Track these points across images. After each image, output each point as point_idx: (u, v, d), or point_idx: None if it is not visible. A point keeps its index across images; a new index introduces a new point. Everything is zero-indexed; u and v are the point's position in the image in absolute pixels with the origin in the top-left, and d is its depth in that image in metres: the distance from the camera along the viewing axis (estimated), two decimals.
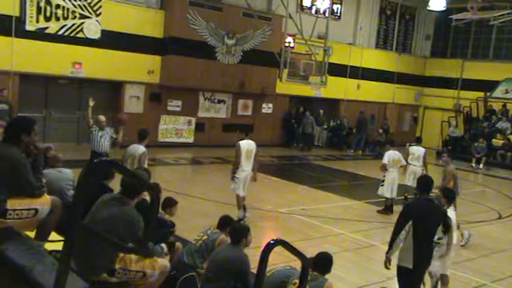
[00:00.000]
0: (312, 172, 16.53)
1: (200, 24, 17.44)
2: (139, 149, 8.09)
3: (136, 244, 3.83)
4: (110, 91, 17.03)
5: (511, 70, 22.94)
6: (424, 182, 5.82)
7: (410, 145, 12.75)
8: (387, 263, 5.69)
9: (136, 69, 16.67)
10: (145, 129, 8.72)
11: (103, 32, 15.79)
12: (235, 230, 5.36)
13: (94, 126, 10.12)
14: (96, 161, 2.98)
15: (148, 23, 16.76)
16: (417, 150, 12.08)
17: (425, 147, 12.49)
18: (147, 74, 17.00)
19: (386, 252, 5.67)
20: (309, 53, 18.94)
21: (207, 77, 17.73)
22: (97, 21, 15.70)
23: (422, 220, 5.51)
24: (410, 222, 5.48)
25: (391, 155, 11.19)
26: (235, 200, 9.65)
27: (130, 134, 16.73)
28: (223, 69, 18.16)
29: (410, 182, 11.58)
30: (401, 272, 5.62)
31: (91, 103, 10.40)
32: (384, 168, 11.11)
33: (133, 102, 17.10)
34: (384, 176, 11.18)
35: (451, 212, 6.29)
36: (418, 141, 13.17)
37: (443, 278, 6.57)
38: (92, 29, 15.63)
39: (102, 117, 10.25)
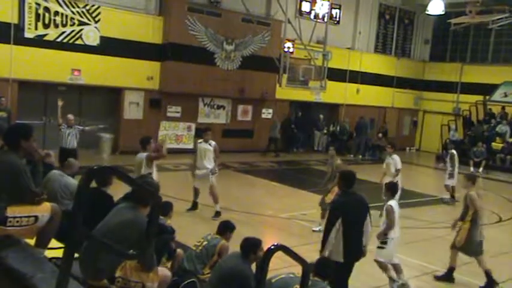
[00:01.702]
0: (312, 177, 16.51)
1: (199, 30, 17.47)
2: (144, 155, 8.30)
3: (139, 252, 3.82)
4: (110, 97, 17.06)
5: (509, 73, 22.98)
6: (348, 178, 5.92)
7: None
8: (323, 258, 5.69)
9: (136, 75, 16.69)
10: (146, 137, 8.88)
11: (102, 38, 15.82)
12: (246, 243, 5.20)
13: (63, 125, 11.29)
14: (96, 167, 2.97)
15: (147, 29, 16.79)
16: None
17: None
18: (146, 80, 17.02)
19: (321, 251, 5.69)
20: (308, 58, 18.97)
21: (206, 83, 17.75)
22: (96, 27, 15.73)
23: (350, 215, 5.70)
24: (340, 219, 5.61)
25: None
26: (235, 206, 9.69)
27: (131, 141, 16.89)
28: (223, 75, 18.18)
29: None
30: (321, 260, 5.65)
31: (60, 103, 11.50)
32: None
33: (132, 109, 17.12)
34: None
35: (393, 203, 6.96)
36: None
37: (396, 267, 7.04)
38: (91, 35, 15.66)
39: (70, 116, 11.42)
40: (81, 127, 11.82)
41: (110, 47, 15.93)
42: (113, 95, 16.96)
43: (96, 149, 16.33)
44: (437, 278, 7.83)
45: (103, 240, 3.81)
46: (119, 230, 3.95)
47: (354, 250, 5.79)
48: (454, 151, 13.85)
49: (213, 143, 10.39)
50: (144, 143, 8.50)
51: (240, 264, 5.05)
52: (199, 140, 10.60)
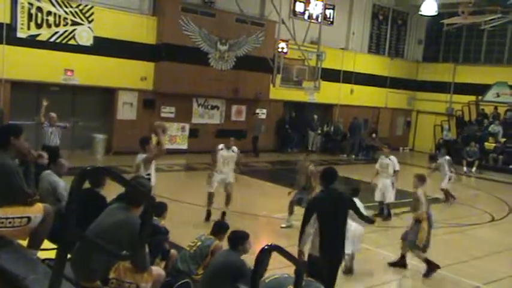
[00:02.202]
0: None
1: (193, 30, 17.45)
2: (141, 156, 8.14)
3: (132, 253, 3.81)
4: (103, 98, 17.00)
5: (501, 74, 23.13)
6: (329, 174, 5.86)
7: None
8: (301, 255, 5.66)
9: (130, 75, 16.64)
10: (145, 137, 8.79)
11: (95, 38, 15.76)
12: (233, 235, 5.37)
13: (46, 123, 11.55)
14: (89, 168, 2.96)
15: (140, 29, 16.75)
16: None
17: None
18: (140, 81, 16.98)
19: (298, 246, 5.70)
20: (302, 58, 19.00)
21: (200, 83, 17.72)
22: (89, 27, 15.68)
23: (324, 211, 5.62)
24: (314, 215, 5.58)
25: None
26: (229, 206, 9.72)
27: (125, 142, 16.85)
28: (217, 75, 18.16)
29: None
30: (311, 259, 5.66)
31: (45, 103, 11.82)
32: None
33: (126, 109, 17.07)
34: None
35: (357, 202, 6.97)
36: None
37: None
38: (84, 35, 15.60)
39: (53, 114, 11.63)
40: (62, 125, 11.99)
41: (104, 47, 15.88)
42: (106, 96, 16.90)
43: (89, 150, 16.29)
44: (390, 264, 8.16)
45: (96, 241, 3.80)
46: (111, 231, 3.94)
47: (329, 248, 5.59)
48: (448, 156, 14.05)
49: (235, 149, 10.24)
50: (143, 143, 8.36)
51: (230, 257, 5.14)
52: (220, 146, 10.19)
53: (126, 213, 4.08)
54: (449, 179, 13.61)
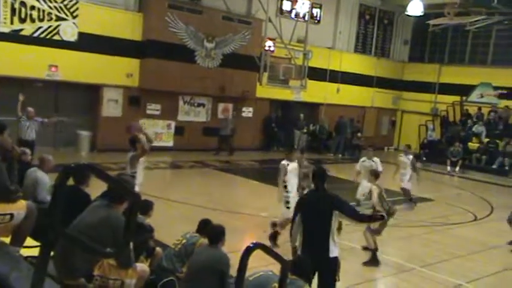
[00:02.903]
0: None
1: (179, 27, 17.37)
2: (128, 155, 8.33)
3: (116, 250, 3.78)
4: (88, 94, 16.85)
5: (485, 75, 23.40)
6: (318, 174, 5.78)
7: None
8: (295, 252, 5.65)
9: (115, 72, 16.52)
10: (133, 135, 8.84)
11: (80, 34, 15.61)
12: (214, 230, 5.39)
13: (23, 117, 11.71)
14: (73, 164, 2.93)
15: (126, 25, 16.63)
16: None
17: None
18: (125, 77, 16.86)
19: (291, 243, 5.75)
20: (288, 57, 19.02)
21: (186, 81, 17.66)
22: (74, 23, 15.53)
23: (307, 211, 5.57)
24: (299, 215, 5.58)
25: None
26: (215, 205, 9.65)
27: (110, 139, 16.73)
28: (203, 73, 18.10)
29: None
30: (295, 258, 5.56)
31: (21, 98, 12.08)
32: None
33: (111, 106, 16.94)
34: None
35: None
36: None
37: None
38: (69, 31, 15.44)
39: (30, 109, 11.78)
40: (40, 120, 12.12)
41: (88, 43, 15.73)
42: (91, 92, 16.75)
43: (73, 147, 16.14)
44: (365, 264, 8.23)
45: (81, 238, 3.77)
46: (93, 228, 3.91)
47: (309, 249, 5.46)
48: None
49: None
50: (133, 142, 8.40)
51: (216, 251, 5.15)
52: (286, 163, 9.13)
53: (108, 210, 4.06)
54: (410, 178, 12.75)
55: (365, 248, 8.54)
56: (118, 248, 3.66)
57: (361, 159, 11.93)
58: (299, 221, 5.59)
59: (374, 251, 8.16)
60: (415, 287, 7.69)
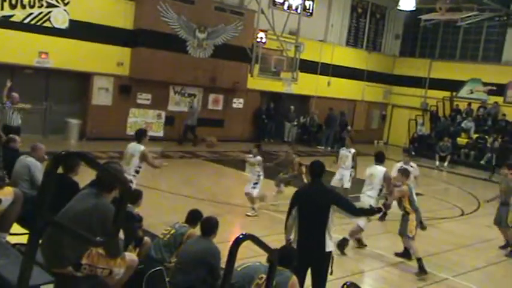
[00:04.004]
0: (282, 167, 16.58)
1: (171, 16, 17.25)
2: (138, 147, 8.16)
3: (106, 239, 3.77)
4: (78, 82, 16.72)
5: (476, 71, 23.55)
6: (316, 168, 5.73)
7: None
8: (290, 244, 5.63)
9: (106, 60, 16.39)
10: (141, 129, 9.10)
11: (71, 21, 15.46)
12: (207, 222, 5.42)
13: (7, 103, 11.57)
14: (63, 152, 2.91)
15: (118, 14, 16.48)
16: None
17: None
18: (116, 66, 16.73)
19: (285, 235, 5.74)
20: (280, 49, 18.99)
21: (177, 71, 17.57)
22: (65, 10, 15.37)
23: (304, 205, 5.55)
24: (295, 208, 5.56)
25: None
26: (204, 195, 9.65)
27: (100, 127, 16.60)
28: (194, 63, 18.02)
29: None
30: (283, 248, 5.62)
31: (8, 84, 12.28)
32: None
33: (102, 94, 16.83)
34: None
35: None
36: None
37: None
38: (60, 18, 15.28)
39: (15, 94, 11.69)
40: (22, 106, 11.97)
41: (80, 30, 15.58)
42: (81, 80, 16.62)
43: (63, 135, 16.03)
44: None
45: (71, 226, 3.75)
46: (81, 217, 3.89)
47: (302, 242, 5.46)
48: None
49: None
50: (140, 135, 8.39)
51: (207, 243, 5.22)
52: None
53: (96, 198, 4.04)
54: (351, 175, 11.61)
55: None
56: (107, 236, 3.65)
57: (398, 164, 11.65)
58: (295, 214, 5.58)
59: (419, 260, 7.90)
60: (403, 280, 7.76)
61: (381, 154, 9.10)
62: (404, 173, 8.46)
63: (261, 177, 10.10)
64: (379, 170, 8.78)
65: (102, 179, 4.09)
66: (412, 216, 8.06)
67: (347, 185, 11.26)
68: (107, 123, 16.63)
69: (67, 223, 3.77)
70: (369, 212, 7.11)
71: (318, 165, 5.76)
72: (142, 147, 8.14)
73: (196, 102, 18.84)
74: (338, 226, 8.48)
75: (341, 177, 11.28)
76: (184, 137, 18.19)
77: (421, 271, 7.80)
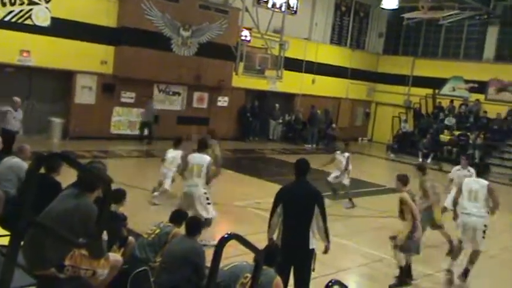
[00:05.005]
0: (267, 166, 16.63)
1: (155, 14, 17.14)
2: (206, 159, 8.20)
3: (89, 239, 3.74)
4: (61, 81, 16.53)
5: (458, 68, 23.82)
6: (300, 166, 5.74)
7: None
8: (273, 243, 5.59)
9: (89, 59, 16.22)
10: (205, 138, 8.87)
11: (53, 19, 15.27)
12: (192, 222, 5.44)
13: (10, 108, 11.52)
14: (46, 153, 2.89)
15: (101, 11, 16.32)
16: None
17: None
18: (99, 64, 16.58)
19: (267, 234, 5.70)
20: (265, 47, 18.99)
21: (161, 69, 17.48)
22: (46, 8, 15.18)
23: (289, 203, 5.56)
24: (280, 205, 5.56)
25: None
26: None
27: (84, 126, 16.45)
28: (179, 61, 17.94)
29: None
30: (268, 247, 5.53)
31: None
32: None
33: (85, 93, 16.67)
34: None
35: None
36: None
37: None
38: (41, 15, 15.09)
39: (17, 99, 11.61)
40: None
41: (62, 28, 15.40)
42: (64, 78, 16.43)
43: (45, 134, 15.84)
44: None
45: (53, 227, 3.71)
46: (63, 217, 3.85)
47: (286, 241, 5.47)
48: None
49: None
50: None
51: (192, 242, 5.25)
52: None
53: (77, 199, 4.00)
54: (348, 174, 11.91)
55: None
56: (90, 237, 3.62)
57: (456, 168, 11.53)
58: (280, 212, 5.56)
59: (401, 268, 7.59)
60: (386, 277, 7.82)
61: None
62: (401, 179, 7.87)
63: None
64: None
65: (83, 179, 4.06)
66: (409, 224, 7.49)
67: (346, 181, 11.81)
68: (91, 122, 16.48)
69: (49, 224, 3.74)
70: (328, 236, 6.08)
71: (303, 162, 5.78)
72: (208, 158, 8.27)
73: (151, 100, 17.99)
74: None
75: (338, 175, 11.80)
76: (142, 135, 17.79)
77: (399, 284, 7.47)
